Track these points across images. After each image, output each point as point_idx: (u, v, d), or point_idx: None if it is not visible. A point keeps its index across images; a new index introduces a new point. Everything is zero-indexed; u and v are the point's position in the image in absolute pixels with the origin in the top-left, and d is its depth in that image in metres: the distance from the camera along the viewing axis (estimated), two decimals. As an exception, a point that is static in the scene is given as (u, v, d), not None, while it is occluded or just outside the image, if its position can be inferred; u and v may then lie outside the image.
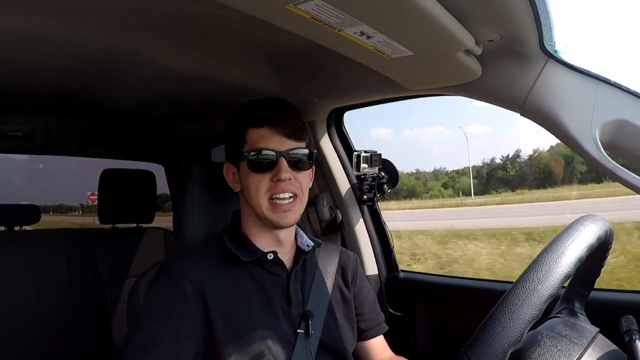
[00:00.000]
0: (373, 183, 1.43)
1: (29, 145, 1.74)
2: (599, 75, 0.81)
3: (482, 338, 0.51)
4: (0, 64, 1.02)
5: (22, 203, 1.83)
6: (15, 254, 1.57)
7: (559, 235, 0.58)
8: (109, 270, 1.67)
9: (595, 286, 0.75)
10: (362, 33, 0.68)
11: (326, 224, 1.50)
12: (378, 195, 1.45)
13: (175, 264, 0.87)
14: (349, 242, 1.50)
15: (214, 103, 1.35)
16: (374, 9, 0.62)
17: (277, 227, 0.89)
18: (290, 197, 0.87)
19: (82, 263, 1.64)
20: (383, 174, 1.44)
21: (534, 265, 0.55)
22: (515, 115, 0.89)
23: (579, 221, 0.61)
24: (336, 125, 1.51)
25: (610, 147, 0.80)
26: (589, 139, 0.78)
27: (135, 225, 1.83)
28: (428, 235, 7.86)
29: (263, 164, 0.86)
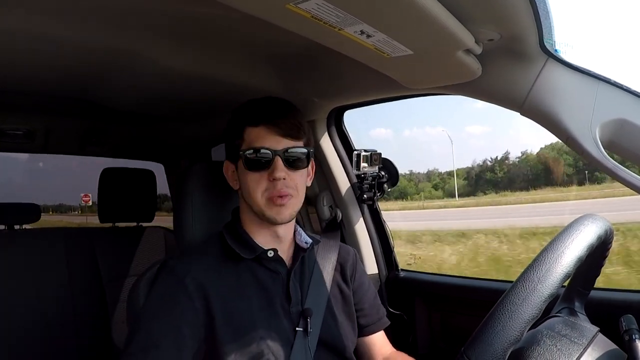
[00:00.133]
0: (373, 182, 1.43)
1: (30, 144, 1.74)
2: (599, 75, 0.81)
3: (482, 337, 0.51)
4: (0, 64, 1.02)
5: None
6: (15, 253, 1.57)
7: (559, 235, 0.58)
8: (109, 270, 1.67)
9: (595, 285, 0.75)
10: (362, 32, 0.68)
11: (326, 223, 1.50)
12: (378, 194, 1.45)
13: (177, 263, 0.87)
14: (349, 241, 1.50)
15: (214, 103, 1.35)
16: (374, 8, 0.62)
17: (274, 223, 0.89)
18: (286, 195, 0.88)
19: (82, 262, 1.64)
20: (383, 173, 1.44)
21: (534, 264, 0.55)
22: (514, 116, 0.89)
23: (579, 220, 0.61)
24: (336, 124, 1.51)
25: (610, 146, 0.80)
26: (589, 138, 0.78)
27: (135, 224, 1.83)
28: (401, 236, 8.30)
29: (259, 162, 0.87)
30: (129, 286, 1.53)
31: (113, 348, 1.59)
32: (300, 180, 0.91)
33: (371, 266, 1.51)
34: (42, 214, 1.86)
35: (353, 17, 0.64)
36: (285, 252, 0.94)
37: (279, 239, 0.93)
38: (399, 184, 1.51)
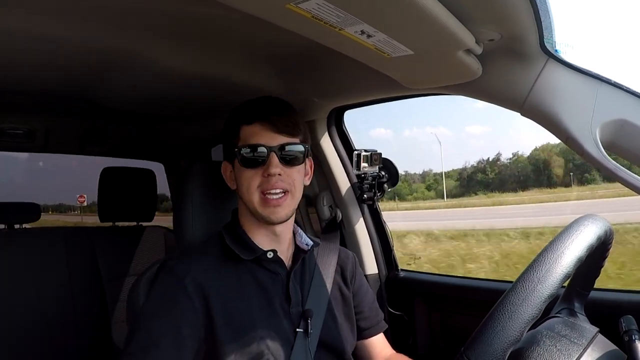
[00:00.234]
0: (373, 182, 1.43)
1: (30, 143, 1.74)
2: (600, 75, 0.80)
3: (482, 337, 0.52)
4: (0, 64, 1.02)
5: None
6: (15, 252, 1.57)
7: (559, 235, 0.58)
8: (109, 269, 1.67)
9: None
10: (362, 32, 0.68)
11: (326, 222, 1.50)
12: (378, 194, 1.45)
13: (176, 263, 0.87)
14: (349, 241, 1.50)
15: (214, 103, 1.35)
16: (374, 8, 0.62)
17: (269, 222, 0.89)
18: (281, 192, 0.87)
19: (82, 262, 1.64)
20: (383, 173, 1.44)
21: (534, 264, 0.55)
22: (514, 116, 0.89)
23: (579, 221, 0.61)
24: (336, 124, 1.51)
25: (611, 147, 0.80)
26: (589, 139, 0.78)
27: (135, 223, 1.83)
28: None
29: (254, 159, 0.87)
30: (128, 286, 1.53)
31: (113, 347, 1.59)
32: (296, 177, 0.90)
33: (371, 266, 1.51)
34: (42, 213, 1.86)
35: (353, 17, 0.64)
36: (285, 253, 0.94)
37: (278, 238, 0.92)
38: (393, 184, 1.51)
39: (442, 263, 6.27)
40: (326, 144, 1.48)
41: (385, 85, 1.08)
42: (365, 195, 1.44)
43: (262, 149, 0.87)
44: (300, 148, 0.90)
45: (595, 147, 0.78)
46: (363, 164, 1.37)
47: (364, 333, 1.04)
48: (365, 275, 1.48)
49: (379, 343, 1.06)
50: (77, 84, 1.22)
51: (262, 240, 0.91)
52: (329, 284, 0.98)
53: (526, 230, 7.97)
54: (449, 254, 6.95)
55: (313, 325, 0.89)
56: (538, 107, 0.84)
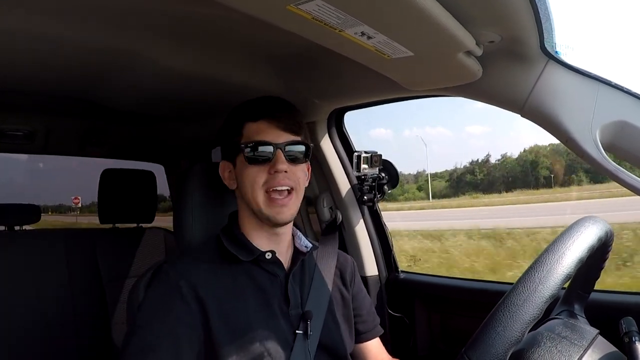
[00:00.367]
0: (373, 184, 1.43)
1: (29, 145, 1.74)
2: (600, 77, 0.81)
3: (483, 338, 0.51)
4: (0, 64, 1.02)
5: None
6: (15, 253, 1.56)
7: (560, 236, 0.58)
8: (109, 271, 1.67)
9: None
10: (362, 33, 0.68)
11: (326, 224, 1.50)
12: (378, 195, 1.45)
13: (171, 266, 0.86)
14: (349, 243, 1.50)
15: (214, 103, 1.35)
16: (374, 9, 0.62)
17: (274, 223, 0.88)
18: (287, 190, 0.87)
19: (82, 263, 1.64)
20: (383, 174, 1.44)
21: (535, 265, 0.55)
22: (514, 116, 0.89)
23: (579, 222, 0.61)
24: (336, 125, 1.51)
25: (611, 148, 0.80)
26: (590, 140, 0.78)
27: (135, 225, 1.83)
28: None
29: (260, 156, 0.86)
30: (129, 287, 1.53)
31: (113, 348, 1.59)
32: (301, 175, 0.91)
33: (371, 268, 1.50)
34: (41, 214, 1.86)
35: (354, 19, 0.64)
36: (284, 255, 0.94)
37: (278, 239, 0.92)
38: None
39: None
40: (326, 145, 1.48)
41: (385, 87, 1.08)
42: (365, 197, 1.44)
43: (269, 146, 0.86)
44: (304, 147, 0.90)
45: (595, 149, 0.78)
46: (363, 166, 1.37)
47: (361, 337, 1.04)
48: (366, 277, 1.48)
49: (374, 347, 1.06)
50: (77, 84, 1.22)
51: (261, 241, 0.91)
52: (329, 286, 0.98)
53: (482, 231, 8.35)
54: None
55: (313, 327, 0.88)
56: (538, 108, 0.84)
